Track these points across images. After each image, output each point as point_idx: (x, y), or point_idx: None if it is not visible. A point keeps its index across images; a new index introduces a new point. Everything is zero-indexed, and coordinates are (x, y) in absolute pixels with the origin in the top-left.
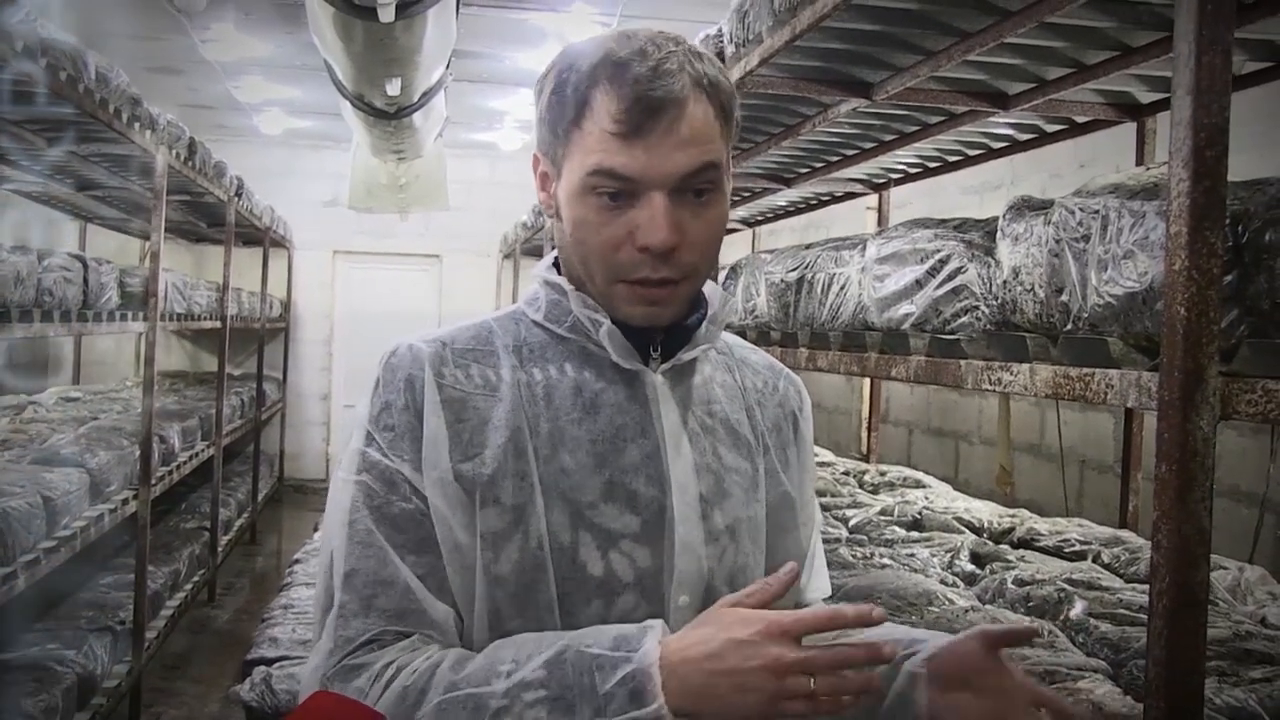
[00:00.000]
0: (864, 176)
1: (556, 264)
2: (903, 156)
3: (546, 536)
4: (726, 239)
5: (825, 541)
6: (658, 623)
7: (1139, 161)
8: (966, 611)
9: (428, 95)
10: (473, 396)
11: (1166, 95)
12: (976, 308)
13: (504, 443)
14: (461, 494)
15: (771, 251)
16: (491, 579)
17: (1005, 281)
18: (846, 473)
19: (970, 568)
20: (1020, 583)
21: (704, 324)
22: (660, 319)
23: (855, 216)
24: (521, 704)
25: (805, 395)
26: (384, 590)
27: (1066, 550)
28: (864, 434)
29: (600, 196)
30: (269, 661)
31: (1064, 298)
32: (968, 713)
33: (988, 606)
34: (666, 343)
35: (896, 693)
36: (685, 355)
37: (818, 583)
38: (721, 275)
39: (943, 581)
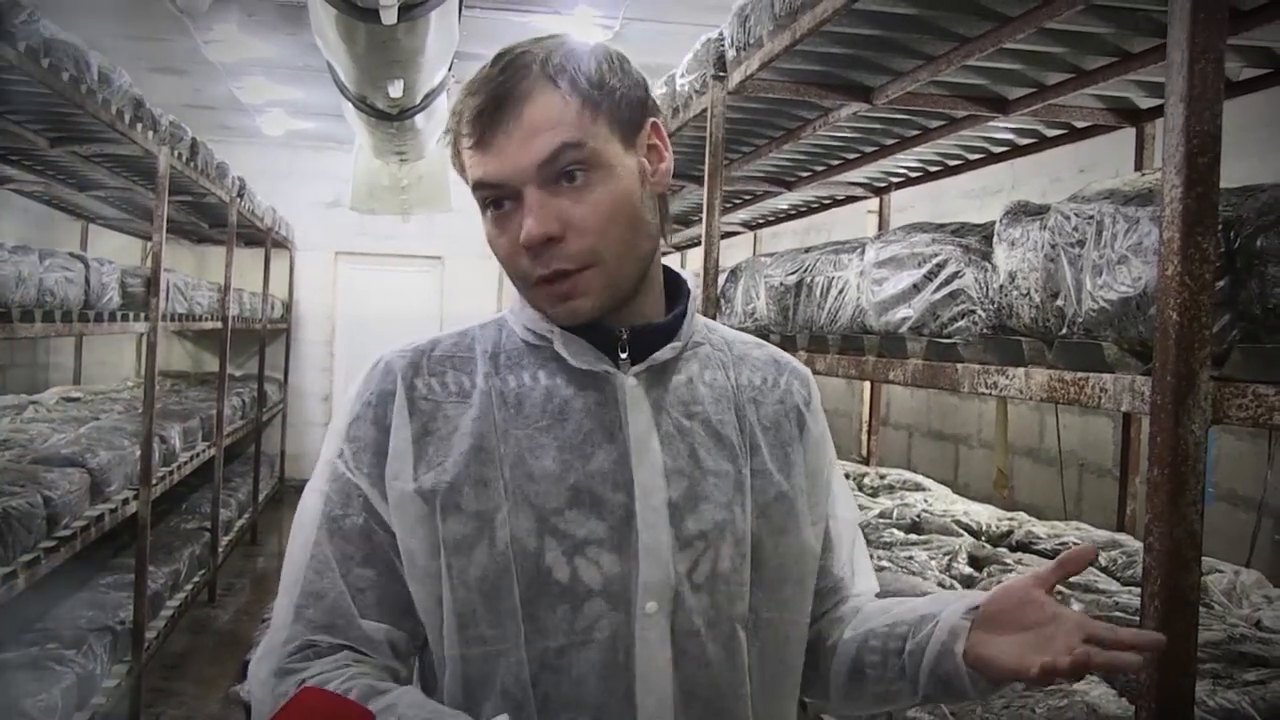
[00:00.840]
0: (865, 180)
1: None
2: (903, 160)
3: (511, 543)
4: (728, 242)
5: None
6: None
7: (1138, 166)
8: None
9: (430, 97)
10: (444, 404)
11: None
12: (973, 312)
13: (468, 450)
14: (422, 506)
15: (771, 255)
16: (458, 585)
17: (1001, 286)
18: (846, 475)
19: (968, 570)
20: None
21: (684, 322)
22: (581, 314)
23: (856, 220)
24: None
25: (813, 389)
26: (315, 602)
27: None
28: (864, 437)
29: (489, 209)
30: None
31: (1059, 302)
32: (1014, 649)
33: None
34: (637, 343)
35: (937, 648)
36: (660, 356)
37: (863, 584)
38: (721, 279)
39: (941, 584)
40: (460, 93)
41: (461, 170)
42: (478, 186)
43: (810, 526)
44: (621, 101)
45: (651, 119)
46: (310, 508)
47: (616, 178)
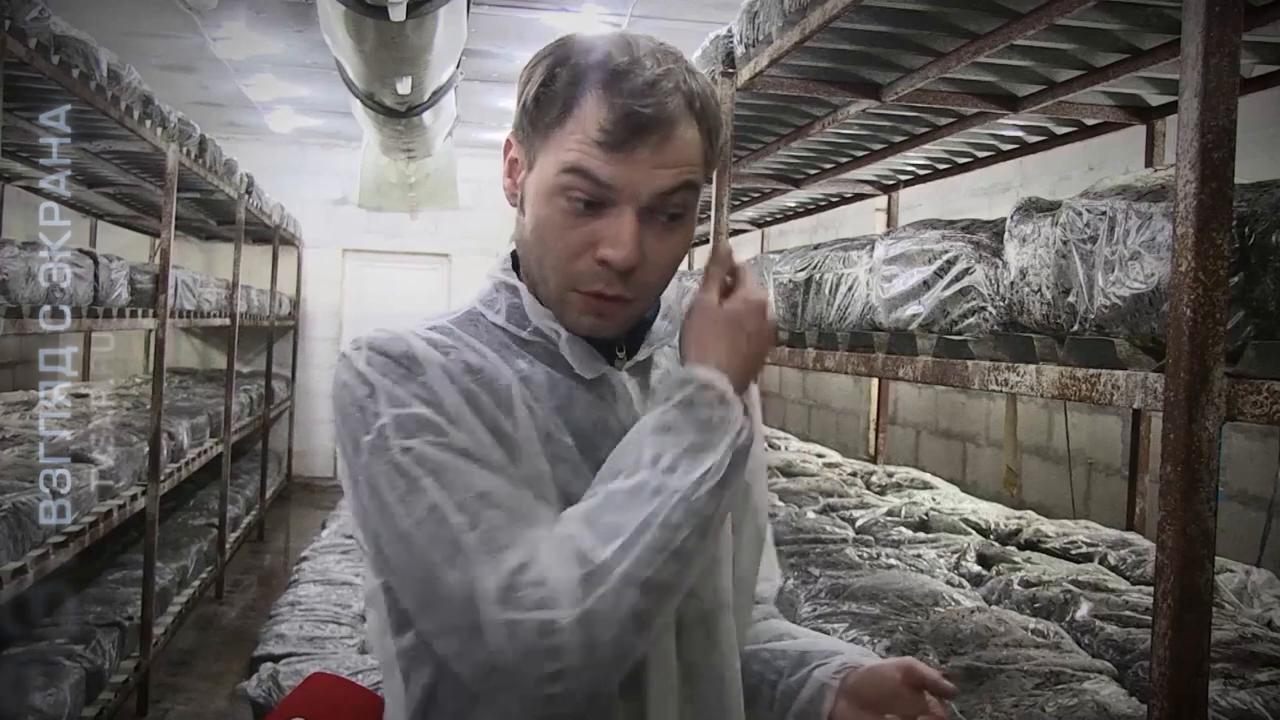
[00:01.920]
0: (873, 178)
1: (514, 259)
2: (912, 158)
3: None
4: (736, 240)
5: (832, 542)
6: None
7: (1148, 164)
8: (972, 612)
9: (438, 94)
10: (464, 376)
11: (1176, 98)
12: (984, 308)
13: (509, 416)
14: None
15: (780, 252)
16: None
17: (1012, 282)
18: (854, 474)
19: (977, 569)
20: (1026, 584)
21: (659, 319)
22: (604, 331)
23: (864, 218)
24: (676, 472)
25: None
26: (520, 503)
27: (1073, 552)
28: (872, 435)
29: (572, 200)
30: (276, 658)
31: (1071, 299)
32: None
33: (994, 607)
34: (629, 340)
35: (804, 699)
36: (643, 353)
37: (767, 576)
38: None
39: (949, 582)
40: (595, 70)
41: (534, 132)
42: (581, 174)
43: (760, 515)
44: (719, 149)
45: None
46: (409, 467)
47: (690, 227)
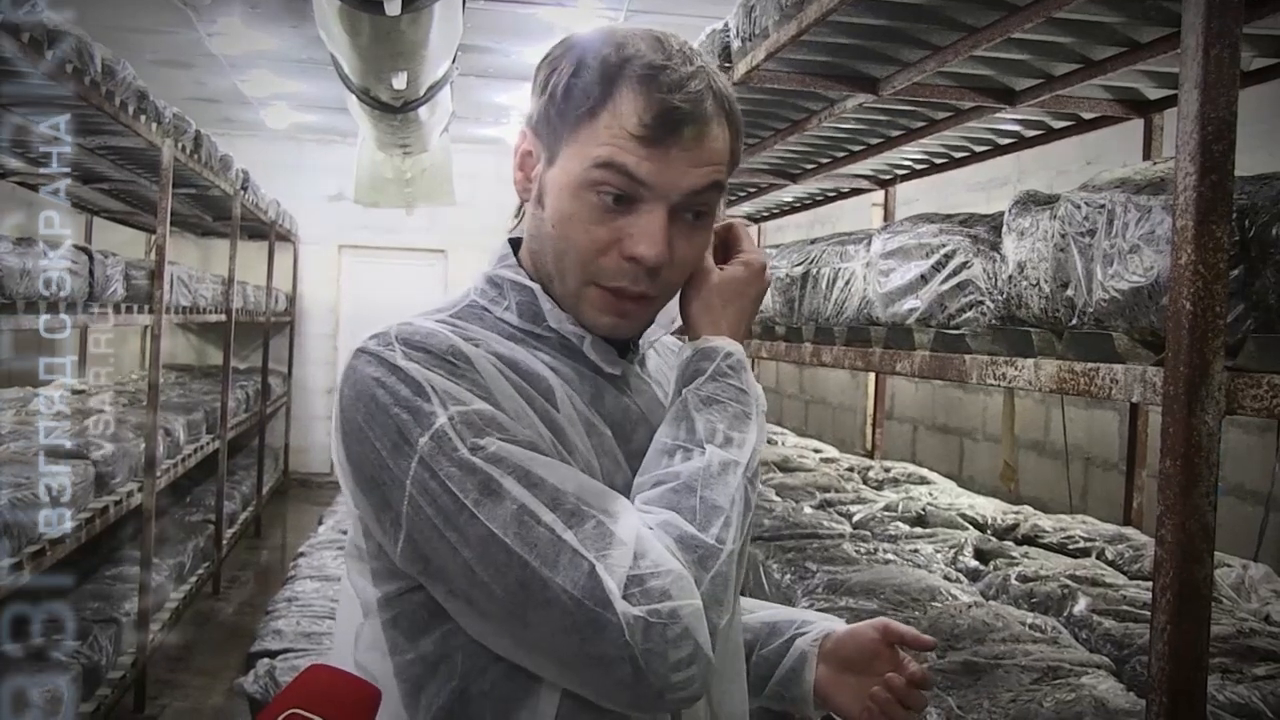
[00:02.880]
0: (870, 172)
1: (513, 255)
2: (909, 152)
3: None
4: None
5: (829, 537)
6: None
7: (1146, 157)
8: (970, 607)
9: (434, 90)
10: (503, 369)
11: (1174, 91)
12: (981, 303)
13: (555, 410)
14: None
15: (777, 246)
16: None
17: (1010, 276)
18: (851, 469)
19: (974, 564)
20: (1024, 579)
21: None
22: (622, 332)
23: (861, 212)
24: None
25: None
26: (593, 493)
27: (1070, 547)
28: (868, 430)
29: (601, 195)
30: (273, 654)
31: (1069, 292)
32: (855, 693)
33: (991, 602)
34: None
35: (786, 667)
36: (645, 344)
37: None
38: None
39: (946, 577)
40: (636, 63)
41: (555, 126)
42: (615, 169)
43: None
44: (739, 153)
45: None
46: (485, 468)
47: (710, 227)
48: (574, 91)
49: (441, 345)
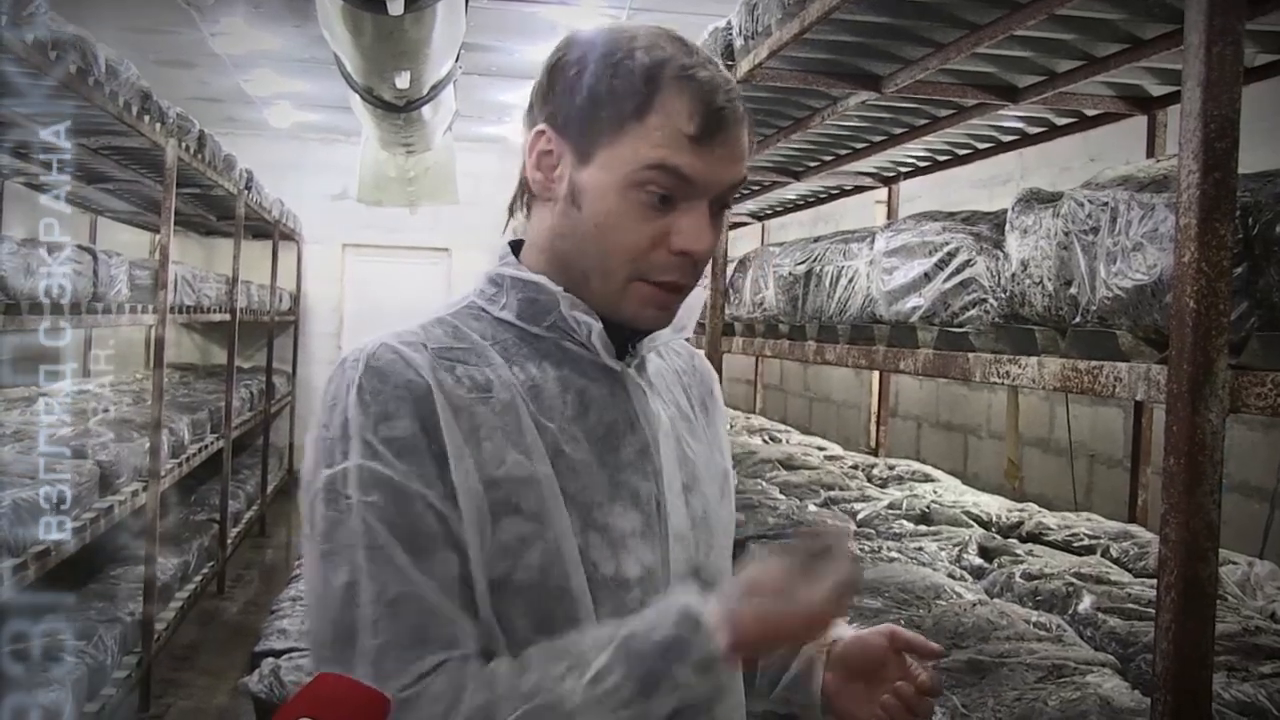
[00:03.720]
0: (873, 170)
1: (513, 254)
2: (912, 150)
3: (561, 539)
4: (734, 233)
5: None
6: (691, 595)
7: (1150, 155)
8: (974, 605)
9: (437, 88)
10: (471, 401)
11: (1177, 88)
12: (985, 300)
13: (514, 446)
14: (484, 505)
15: (780, 244)
16: (512, 588)
17: (1014, 274)
18: (855, 466)
19: (978, 561)
20: (1028, 577)
21: None
22: (663, 323)
23: (864, 210)
24: (603, 700)
25: (712, 369)
26: (431, 619)
27: (1075, 545)
28: (872, 428)
29: (649, 194)
30: (278, 653)
31: (1073, 290)
32: (862, 699)
33: (995, 600)
34: (633, 338)
35: (794, 672)
36: (643, 349)
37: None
38: (730, 268)
39: (950, 575)
40: (677, 65)
41: (589, 126)
42: (668, 171)
43: (733, 499)
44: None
45: None
46: (360, 521)
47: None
48: (616, 93)
49: (399, 379)
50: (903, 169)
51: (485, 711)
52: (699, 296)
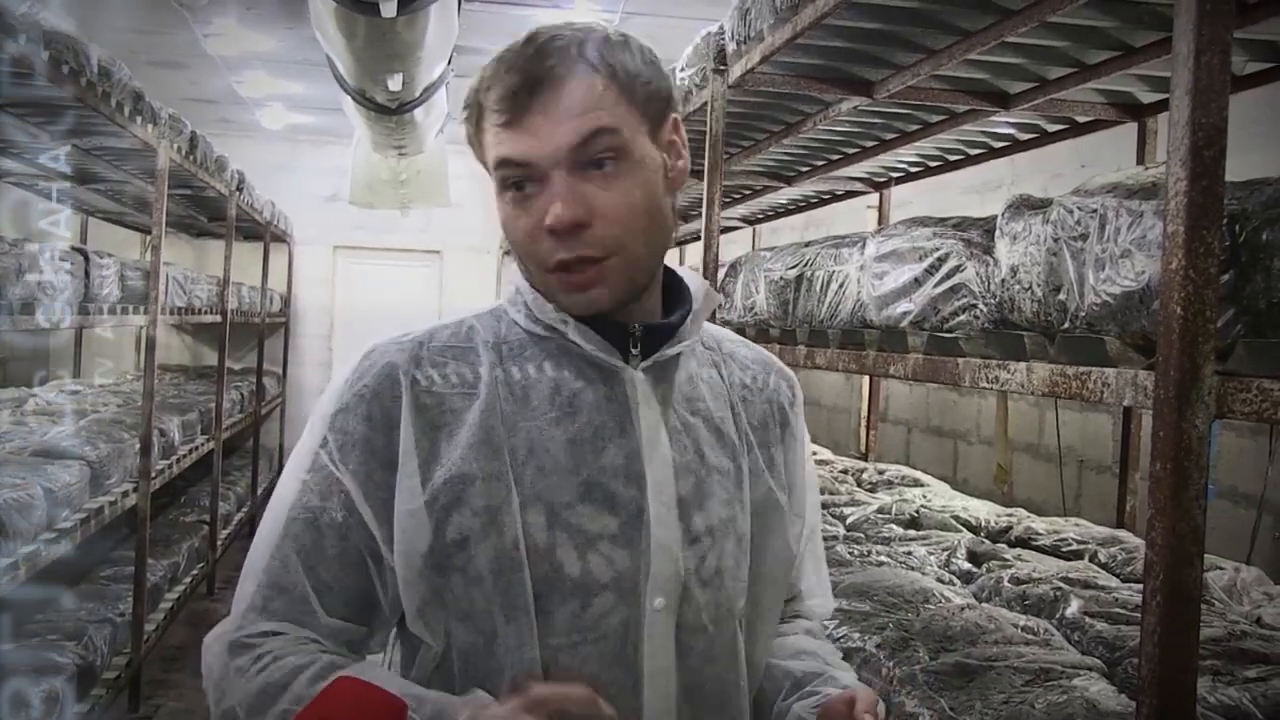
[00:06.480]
0: (865, 175)
1: None
2: (904, 155)
3: (522, 538)
4: (727, 237)
5: (823, 539)
6: (480, 696)
7: (1140, 162)
8: (962, 609)
9: (429, 91)
10: (449, 397)
11: (1167, 95)
12: (974, 306)
13: (477, 443)
14: (432, 501)
15: (771, 249)
16: (466, 579)
17: (1003, 280)
18: (845, 471)
19: (967, 566)
20: (1017, 581)
21: (687, 319)
22: (598, 304)
23: (856, 215)
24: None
25: (797, 390)
26: (279, 595)
27: (1063, 549)
28: (863, 432)
29: (510, 189)
30: None
31: (1061, 296)
32: None
33: (984, 604)
34: (648, 339)
35: None
36: (667, 352)
37: (819, 594)
38: (721, 273)
39: (939, 579)
40: (488, 68)
41: (479, 147)
42: (502, 165)
43: (790, 529)
44: (652, 93)
45: (674, 115)
46: (286, 495)
47: (644, 169)
48: (468, 119)
49: (373, 377)
50: (894, 174)
51: (275, 689)
52: (701, 286)
